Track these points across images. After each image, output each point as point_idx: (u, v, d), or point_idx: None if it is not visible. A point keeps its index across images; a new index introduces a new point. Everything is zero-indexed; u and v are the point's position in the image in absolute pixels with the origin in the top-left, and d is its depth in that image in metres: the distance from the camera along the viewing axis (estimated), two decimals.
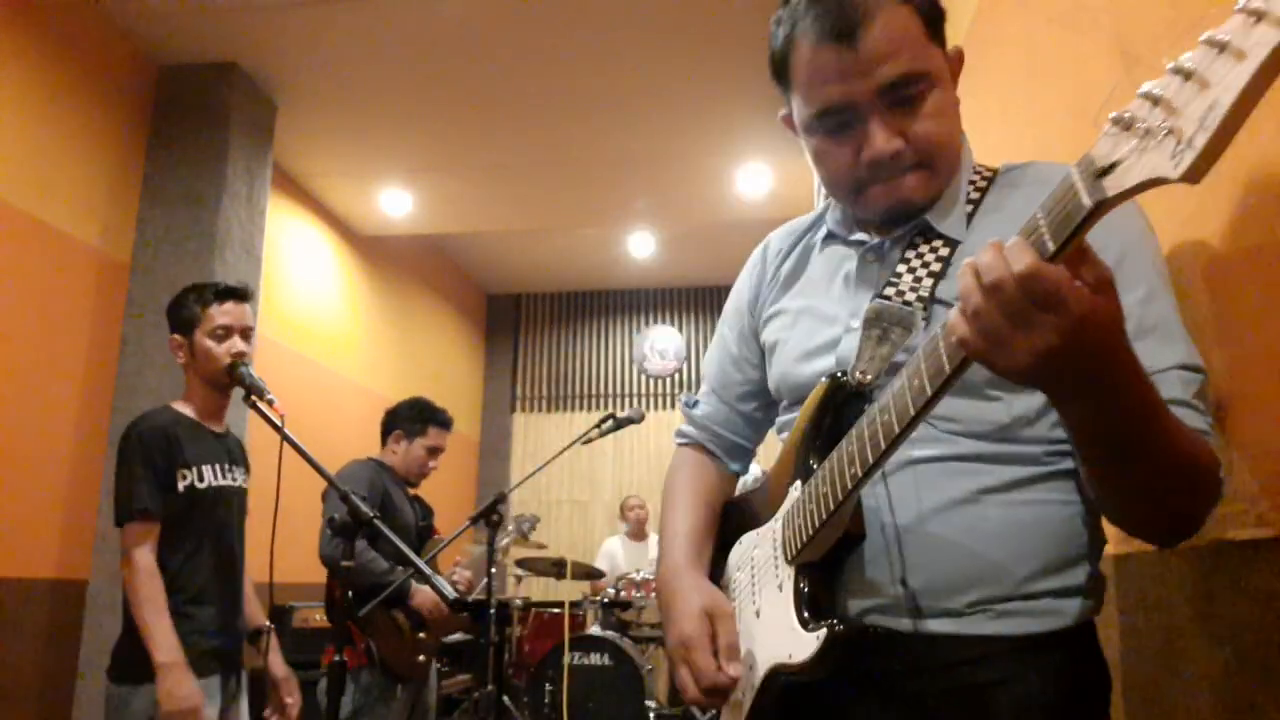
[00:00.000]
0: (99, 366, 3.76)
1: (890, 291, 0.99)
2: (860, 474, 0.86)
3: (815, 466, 0.96)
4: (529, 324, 8.29)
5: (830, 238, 1.14)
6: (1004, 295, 0.66)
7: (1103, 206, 0.61)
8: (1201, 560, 1.03)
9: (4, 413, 3.26)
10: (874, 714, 0.96)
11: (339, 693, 2.00)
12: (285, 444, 2.23)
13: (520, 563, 4.94)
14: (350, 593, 2.14)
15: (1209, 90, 0.53)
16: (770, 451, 1.17)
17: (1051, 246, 0.65)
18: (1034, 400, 0.94)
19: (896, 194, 1.00)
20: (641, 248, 6.98)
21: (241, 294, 2.56)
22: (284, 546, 2.48)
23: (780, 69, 1.06)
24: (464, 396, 7.66)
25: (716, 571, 1.19)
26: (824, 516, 0.91)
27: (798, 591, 0.96)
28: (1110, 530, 1.32)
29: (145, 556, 2.29)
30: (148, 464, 2.37)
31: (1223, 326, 1.00)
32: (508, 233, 6.72)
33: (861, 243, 1.07)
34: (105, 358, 3.80)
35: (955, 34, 2.32)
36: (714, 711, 1.12)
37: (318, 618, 4.00)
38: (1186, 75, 0.55)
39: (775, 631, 0.98)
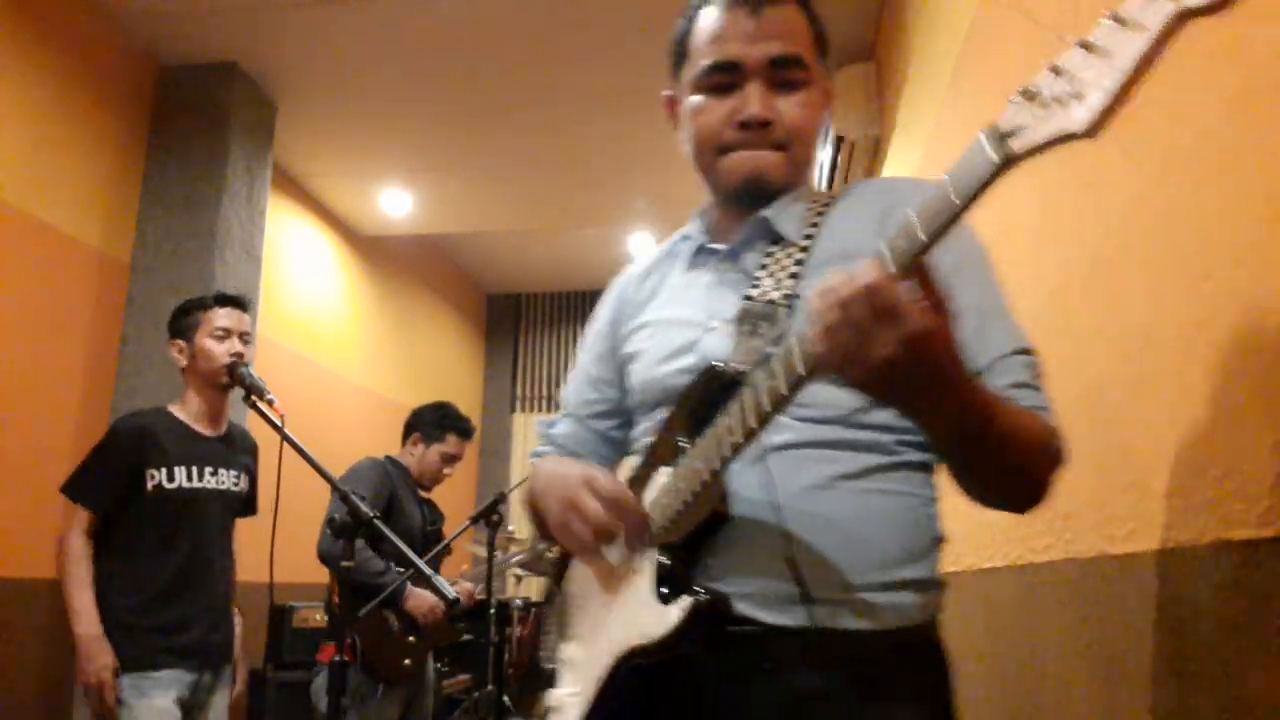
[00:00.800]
0: (99, 366, 3.76)
1: (754, 293, 1.05)
2: (730, 454, 0.90)
3: (687, 448, 0.99)
4: (529, 324, 8.29)
5: (694, 252, 1.19)
6: (852, 312, 0.73)
7: (1010, 162, 0.67)
8: (1201, 560, 1.03)
9: (4, 413, 3.26)
10: (722, 708, 0.96)
11: (341, 692, 2.00)
12: (285, 444, 2.24)
13: (521, 563, 4.94)
14: (346, 591, 2.15)
15: (1110, 58, 0.61)
16: None
17: (957, 202, 0.70)
18: None
19: (756, 162, 1.08)
20: (641, 248, 6.99)
21: (241, 302, 2.66)
22: (284, 546, 2.48)
23: (679, 46, 1.15)
24: (464, 396, 7.66)
25: (554, 590, 1.19)
26: (696, 490, 0.94)
27: (657, 567, 0.97)
28: (1114, 531, 1.32)
29: (77, 540, 2.42)
30: (110, 461, 2.48)
31: (1222, 327, 1.00)
32: (508, 233, 6.72)
33: (718, 251, 1.14)
34: (105, 358, 3.80)
35: (954, 34, 2.32)
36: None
37: (318, 618, 4.00)
38: (1089, 48, 0.62)
39: (628, 614, 0.98)
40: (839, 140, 3.87)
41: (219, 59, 4.08)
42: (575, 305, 8.24)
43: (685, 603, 0.91)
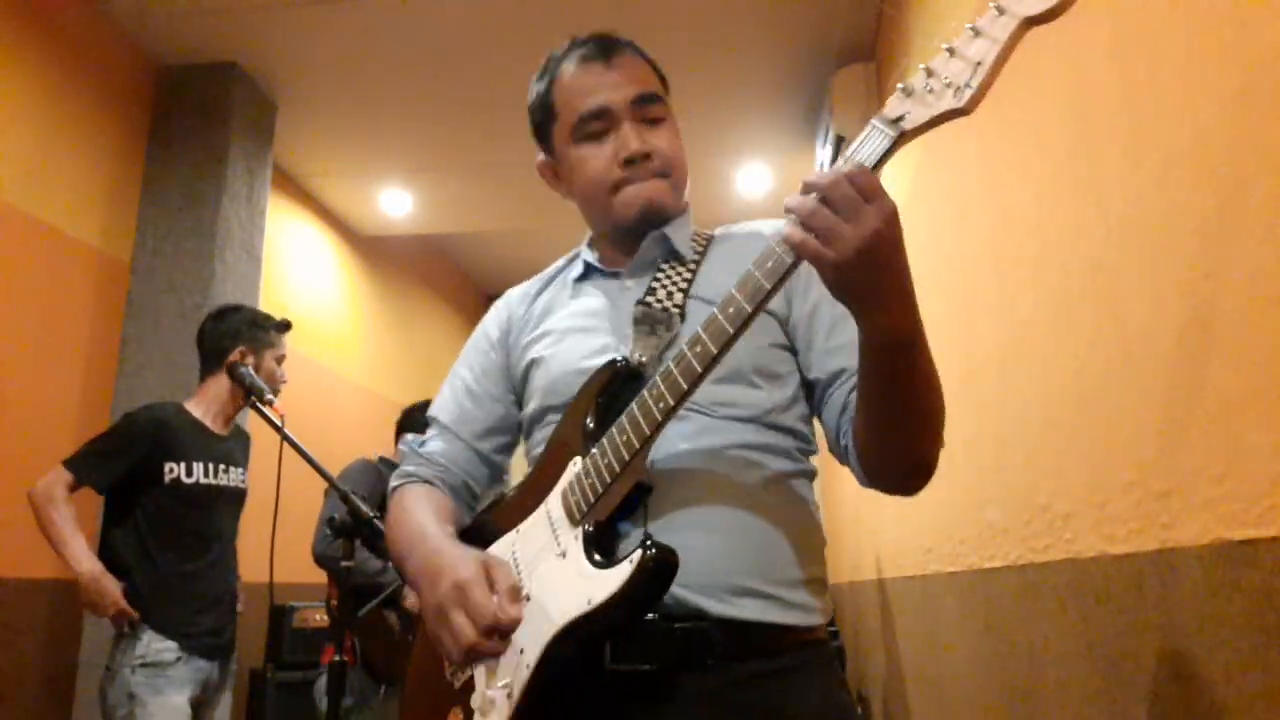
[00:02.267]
0: (99, 366, 3.76)
1: (650, 299, 1.13)
2: (671, 404, 0.93)
3: (598, 436, 1.02)
4: None
5: (586, 275, 1.25)
6: (838, 190, 0.82)
7: (904, 137, 0.84)
8: (1202, 560, 1.03)
9: (3, 412, 3.26)
10: (652, 697, 0.97)
11: (340, 692, 2.00)
12: (285, 444, 2.25)
13: None
14: (346, 592, 2.15)
15: (972, 59, 0.82)
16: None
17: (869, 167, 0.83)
18: (785, 391, 1.11)
19: (648, 193, 1.16)
20: None
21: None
22: (284, 546, 2.48)
23: (543, 111, 1.23)
24: None
25: None
26: (626, 459, 0.96)
27: (587, 539, 0.98)
28: (1114, 531, 1.32)
29: (59, 490, 2.42)
30: (123, 445, 2.51)
31: (1221, 327, 1.00)
32: (508, 233, 6.72)
33: (618, 273, 1.21)
34: (105, 358, 3.80)
35: (954, 35, 2.32)
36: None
37: (318, 618, 3.99)
38: (952, 53, 0.83)
39: (559, 593, 0.97)
40: (839, 140, 3.87)
41: (219, 59, 4.08)
42: None
43: (634, 556, 0.90)
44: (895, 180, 3.46)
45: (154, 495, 2.50)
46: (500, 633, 0.97)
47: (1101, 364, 1.35)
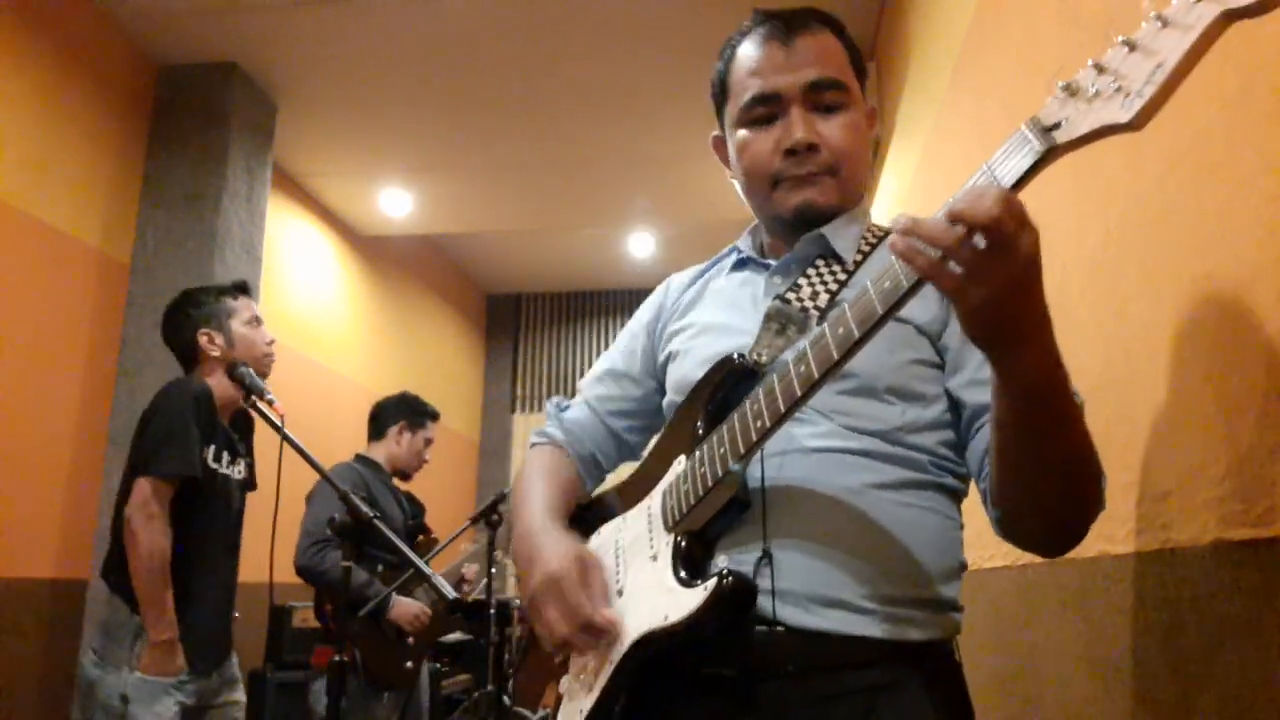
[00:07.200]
0: (99, 366, 3.76)
1: (791, 296, 1.06)
2: (768, 425, 0.89)
3: (704, 439, 0.99)
4: (529, 324, 8.28)
5: (740, 265, 1.20)
6: (1012, 209, 0.70)
7: (1054, 152, 0.70)
8: (1201, 560, 1.03)
9: (4, 412, 3.26)
10: (736, 708, 0.94)
11: (340, 692, 2.00)
12: (285, 444, 2.24)
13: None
14: (341, 600, 2.13)
15: (1154, 56, 0.64)
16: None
17: (1006, 186, 0.72)
18: (925, 412, 1.02)
19: (806, 193, 1.09)
20: (641, 248, 6.97)
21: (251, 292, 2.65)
22: (284, 546, 2.48)
23: (720, 86, 1.17)
24: (464, 397, 7.65)
25: None
26: (719, 475, 0.93)
27: (676, 551, 0.96)
28: (1114, 531, 1.32)
29: (165, 532, 2.24)
30: (197, 424, 2.32)
31: (1222, 327, 1.00)
32: (508, 233, 6.72)
33: (769, 265, 1.14)
34: (105, 358, 3.80)
35: (954, 34, 2.32)
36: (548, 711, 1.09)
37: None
38: (1131, 46, 0.66)
39: (645, 600, 0.96)
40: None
41: (219, 59, 4.08)
42: (575, 305, 8.24)
43: (709, 584, 0.89)
44: (898, 176, 3.46)
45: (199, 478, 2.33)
46: (594, 633, 0.97)
47: (1101, 364, 1.35)
